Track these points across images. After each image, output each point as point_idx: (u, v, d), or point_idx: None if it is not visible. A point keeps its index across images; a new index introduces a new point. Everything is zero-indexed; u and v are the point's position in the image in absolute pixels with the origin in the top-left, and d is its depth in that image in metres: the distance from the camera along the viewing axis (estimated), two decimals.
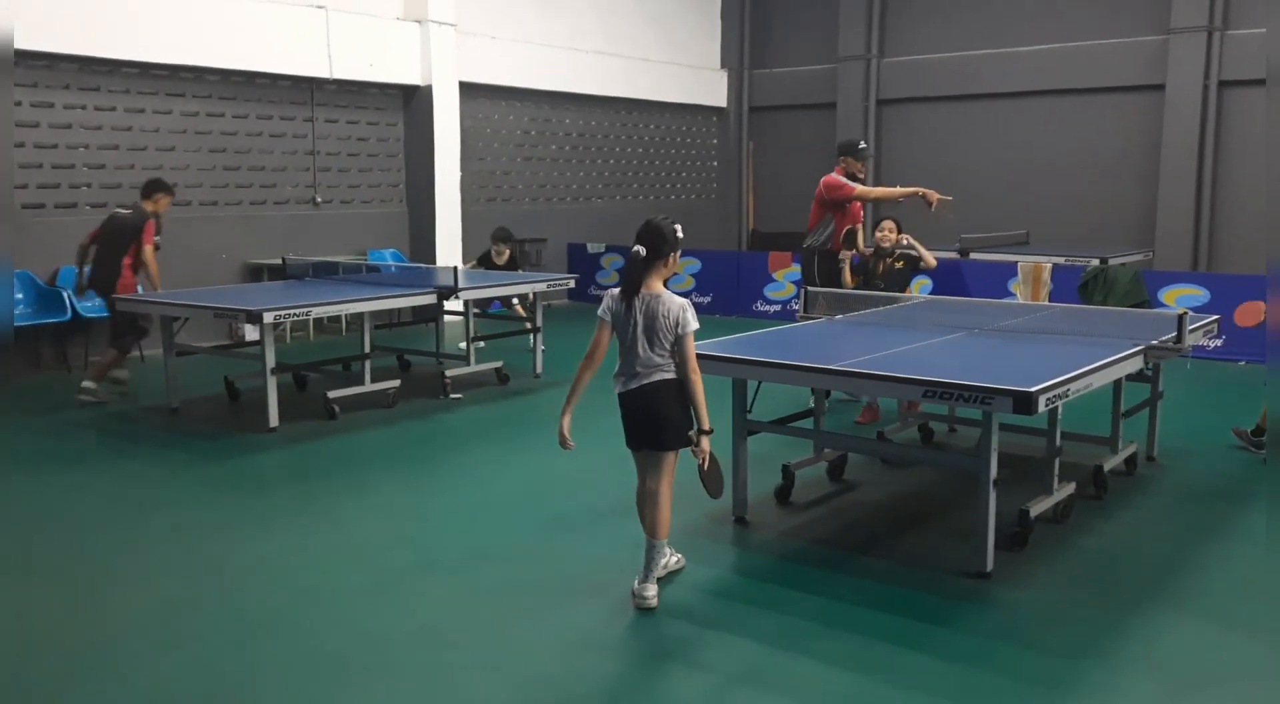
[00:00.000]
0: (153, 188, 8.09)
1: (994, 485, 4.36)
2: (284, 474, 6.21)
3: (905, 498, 5.67)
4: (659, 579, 4.23)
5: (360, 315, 7.78)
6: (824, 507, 5.49)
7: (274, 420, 6.98)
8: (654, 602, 4.12)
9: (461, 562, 4.71)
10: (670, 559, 4.41)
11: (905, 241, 7.25)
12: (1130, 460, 6.00)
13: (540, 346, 8.95)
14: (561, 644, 3.88)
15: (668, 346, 4.04)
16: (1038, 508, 4.87)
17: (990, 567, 4.43)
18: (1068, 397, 4.29)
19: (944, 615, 4.10)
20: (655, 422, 4.08)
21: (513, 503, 5.55)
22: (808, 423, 5.72)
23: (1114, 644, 3.84)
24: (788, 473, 5.52)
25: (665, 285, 4.14)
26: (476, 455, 6.60)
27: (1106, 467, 5.64)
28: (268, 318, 6.75)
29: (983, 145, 14.49)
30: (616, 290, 4.13)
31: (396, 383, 7.89)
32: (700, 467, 4.10)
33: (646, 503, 4.21)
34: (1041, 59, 13.80)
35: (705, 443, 4.07)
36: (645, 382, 4.05)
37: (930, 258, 7.30)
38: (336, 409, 7.35)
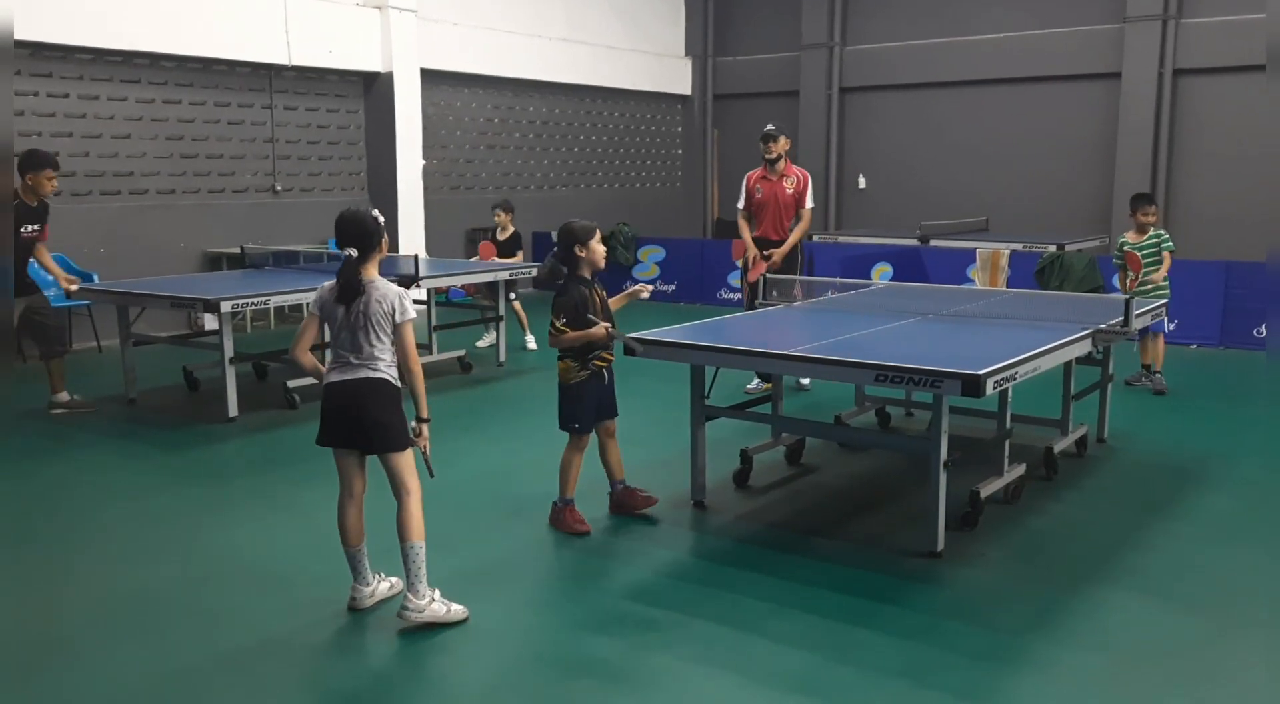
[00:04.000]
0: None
1: (945, 467, 4.44)
2: (243, 464, 6.18)
3: (861, 481, 5.75)
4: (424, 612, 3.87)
5: None
6: (781, 490, 5.56)
7: (233, 410, 6.94)
8: (424, 616, 3.85)
9: None
10: (435, 603, 3.91)
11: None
12: (1080, 442, 6.12)
13: (503, 337, 8.95)
14: (516, 627, 3.93)
15: (385, 338, 3.85)
16: (988, 489, 4.97)
17: (941, 546, 4.52)
18: (1015, 380, 4.38)
19: (895, 594, 4.18)
20: (365, 424, 3.88)
21: (472, 491, 5.57)
22: (766, 408, 5.80)
23: (1060, 620, 3.94)
24: (746, 457, 5.58)
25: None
26: (436, 444, 6.51)
27: (1057, 448, 5.75)
28: (225, 307, 6.71)
29: (943, 133, 14.63)
30: (330, 284, 3.89)
31: None
32: (424, 451, 4.04)
33: (402, 508, 3.97)
34: (1000, 47, 13.94)
35: (425, 430, 4.01)
36: (355, 376, 3.84)
37: (618, 301, 4.99)
38: (297, 398, 7.32)
